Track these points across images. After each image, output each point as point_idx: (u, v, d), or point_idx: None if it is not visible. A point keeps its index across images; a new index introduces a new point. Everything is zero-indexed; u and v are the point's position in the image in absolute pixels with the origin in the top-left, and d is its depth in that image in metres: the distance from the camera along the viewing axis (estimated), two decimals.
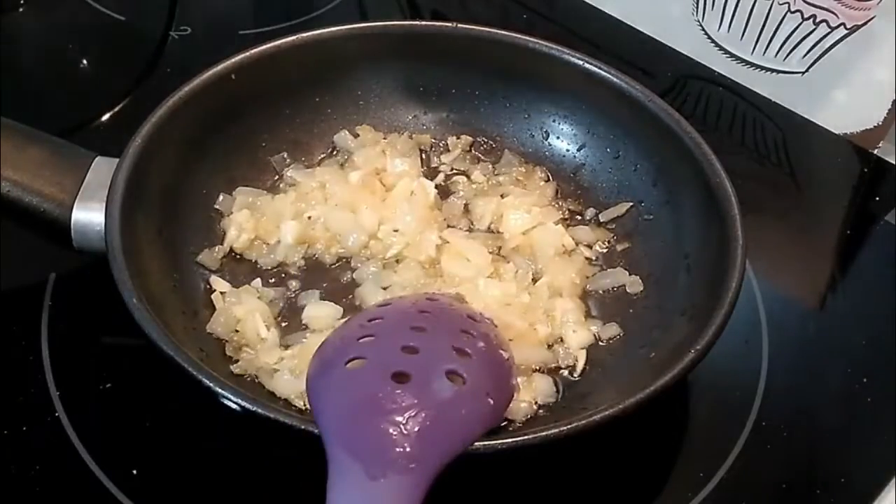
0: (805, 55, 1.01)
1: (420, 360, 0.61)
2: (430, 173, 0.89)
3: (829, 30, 0.97)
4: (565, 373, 0.75)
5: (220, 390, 0.62)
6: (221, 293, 0.76)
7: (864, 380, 0.79)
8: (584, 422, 0.62)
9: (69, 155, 0.76)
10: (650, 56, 1.08)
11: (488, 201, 0.85)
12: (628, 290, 0.80)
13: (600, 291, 0.81)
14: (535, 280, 0.80)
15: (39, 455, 0.70)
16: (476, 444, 0.59)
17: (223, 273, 0.79)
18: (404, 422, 0.56)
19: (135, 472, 0.69)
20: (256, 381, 0.72)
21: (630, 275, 0.81)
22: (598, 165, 0.87)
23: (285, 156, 0.87)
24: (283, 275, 0.80)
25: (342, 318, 0.76)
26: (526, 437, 0.62)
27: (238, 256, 0.81)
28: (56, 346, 0.76)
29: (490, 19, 1.13)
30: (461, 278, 0.78)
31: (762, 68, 1.04)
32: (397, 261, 0.80)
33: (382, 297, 0.76)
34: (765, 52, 1.03)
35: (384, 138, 0.89)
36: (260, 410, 0.61)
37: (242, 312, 0.75)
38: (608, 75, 0.84)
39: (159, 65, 1.04)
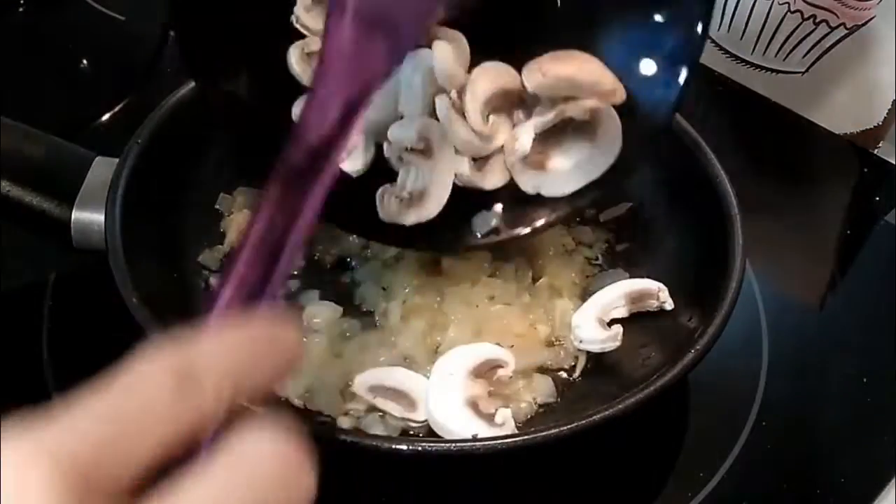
0: (805, 55, 1.01)
1: None
2: None
3: (829, 30, 0.97)
4: (565, 373, 0.75)
5: None
6: None
7: (864, 380, 0.79)
8: (584, 422, 0.61)
9: (69, 155, 0.76)
10: None
11: None
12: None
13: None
14: (535, 280, 0.80)
15: None
16: (476, 444, 0.59)
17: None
18: None
19: None
20: None
21: (630, 275, 0.81)
22: None
23: None
24: None
25: (342, 318, 0.76)
26: (526, 437, 0.61)
27: None
28: (56, 346, 0.76)
29: None
30: (461, 278, 0.78)
31: (762, 68, 1.04)
32: (397, 260, 0.80)
33: (382, 297, 0.77)
34: (765, 52, 1.03)
35: None
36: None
37: None
38: None
39: (159, 65, 1.04)
